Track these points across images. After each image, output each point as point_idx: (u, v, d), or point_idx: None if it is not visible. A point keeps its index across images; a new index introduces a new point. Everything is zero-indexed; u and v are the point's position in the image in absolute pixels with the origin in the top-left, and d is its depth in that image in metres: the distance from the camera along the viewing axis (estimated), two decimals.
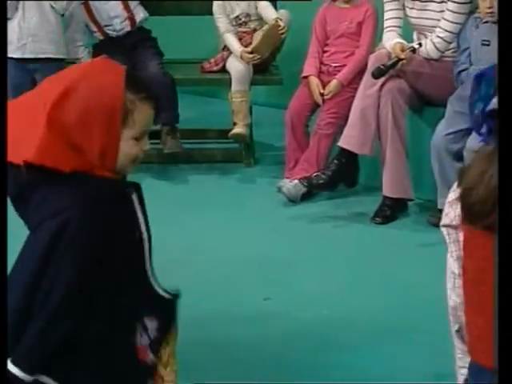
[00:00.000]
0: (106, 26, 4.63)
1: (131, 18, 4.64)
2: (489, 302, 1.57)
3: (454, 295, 1.81)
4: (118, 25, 4.63)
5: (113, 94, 1.76)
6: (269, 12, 4.55)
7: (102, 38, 4.65)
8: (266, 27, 4.47)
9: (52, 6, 4.45)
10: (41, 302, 1.77)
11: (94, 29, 4.65)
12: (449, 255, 1.80)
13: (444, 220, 1.79)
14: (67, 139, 1.76)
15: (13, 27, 4.42)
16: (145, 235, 1.89)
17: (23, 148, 1.77)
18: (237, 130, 4.50)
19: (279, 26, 4.45)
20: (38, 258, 1.77)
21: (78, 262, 1.76)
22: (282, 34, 4.48)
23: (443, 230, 1.80)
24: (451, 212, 1.78)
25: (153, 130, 4.51)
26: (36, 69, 4.45)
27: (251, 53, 4.48)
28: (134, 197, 1.86)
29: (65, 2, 4.45)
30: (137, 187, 1.88)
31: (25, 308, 1.79)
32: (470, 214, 1.61)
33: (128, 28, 4.64)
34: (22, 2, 4.41)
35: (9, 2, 4.35)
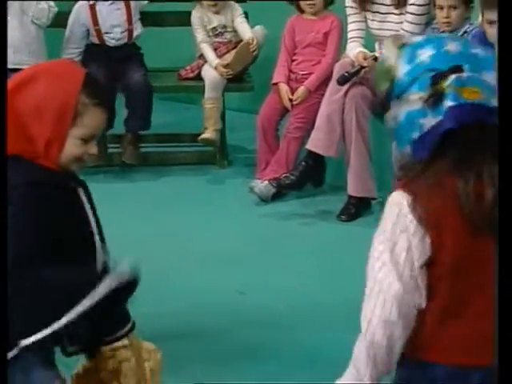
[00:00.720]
0: (106, 33, 4.56)
1: (130, 31, 4.59)
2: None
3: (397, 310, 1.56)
4: (118, 34, 4.56)
5: (68, 92, 1.77)
6: (244, 29, 4.57)
7: (97, 42, 4.55)
8: (239, 46, 4.51)
9: (33, 21, 4.38)
10: None
11: (93, 33, 4.56)
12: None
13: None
14: (18, 123, 1.77)
15: None
16: (94, 230, 1.89)
17: None
18: (206, 135, 4.52)
19: (250, 44, 4.47)
20: None
21: (14, 245, 1.72)
22: (254, 51, 4.48)
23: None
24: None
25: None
26: None
27: (226, 65, 4.46)
28: (81, 192, 1.86)
29: (45, 16, 4.37)
30: (83, 184, 1.89)
31: None
32: (488, 221, 1.50)
33: (125, 40, 4.58)
34: None
35: None
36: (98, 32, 4.53)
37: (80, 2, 4.52)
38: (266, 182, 4.19)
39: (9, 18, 4.29)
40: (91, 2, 4.51)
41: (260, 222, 4.03)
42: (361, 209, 4.07)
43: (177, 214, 3.92)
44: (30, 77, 1.82)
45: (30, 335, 1.75)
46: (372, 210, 4.13)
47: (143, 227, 3.71)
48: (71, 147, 1.79)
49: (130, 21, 4.55)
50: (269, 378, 2.72)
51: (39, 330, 1.75)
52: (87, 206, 1.88)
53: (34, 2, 4.32)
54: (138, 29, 4.61)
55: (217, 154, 4.70)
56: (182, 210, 3.98)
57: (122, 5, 4.54)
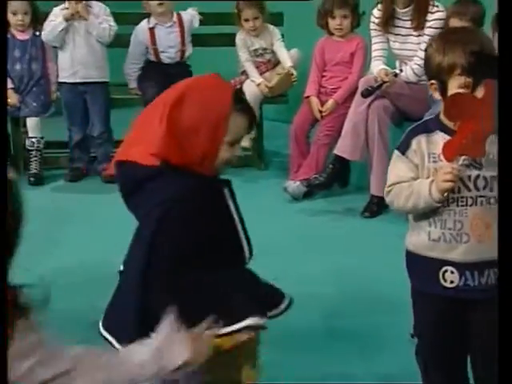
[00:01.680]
0: (162, 52, 4.63)
1: (183, 51, 4.67)
2: None
3: None
4: (173, 54, 4.64)
5: (221, 109, 1.70)
6: (283, 55, 4.59)
7: (154, 60, 4.62)
8: (282, 73, 4.53)
9: (97, 40, 4.49)
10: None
11: (151, 51, 4.64)
12: None
13: None
14: (179, 138, 1.70)
15: (64, 57, 4.50)
16: (237, 221, 1.83)
17: (142, 145, 1.73)
18: (242, 142, 4.52)
19: (292, 75, 4.52)
20: (146, 241, 1.73)
21: (175, 246, 1.71)
22: (294, 81, 4.54)
23: None
24: None
25: None
26: (85, 91, 4.52)
27: (270, 88, 4.52)
28: (226, 191, 1.80)
29: (107, 35, 4.47)
30: (228, 183, 1.82)
31: (141, 282, 1.72)
32: None
33: (178, 59, 4.66)
34: (71, 36, 4.45)
35: (58, 34, 4.40)
36: (156, 51, 4.64)
37: (141, 24, 4.64)
38: (298, 182, 4.21)
39: (77, 38, 4.44)
40: (151, 25, 4.62)
41: (293, 218, 4.01)
42: (382, 207, 4.02)
43: None
44: (185, 93, 1.71)
45: None
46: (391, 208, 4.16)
47: None
48: (221, 153, 1.74)
49: (183, 42, 4.66)
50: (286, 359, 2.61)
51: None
52: (231, 205, 1.82)
53: (97, 22, 4.43)
54: (189, 49, 4.71)
55: (255, 158, 4.73)
56: None
57: (177, 28, 4.63)
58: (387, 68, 4.09)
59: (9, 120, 4.56)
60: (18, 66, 4.50)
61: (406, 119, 4.11)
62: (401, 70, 4.08)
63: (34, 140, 4.54)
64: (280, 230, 3.85)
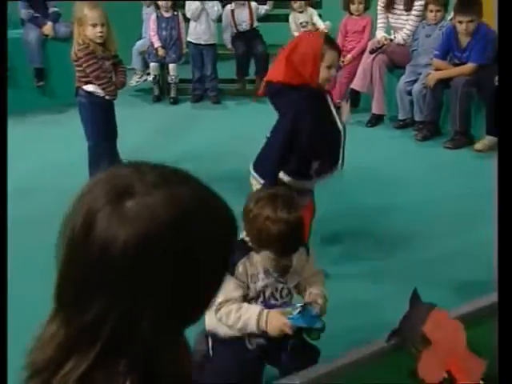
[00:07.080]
0: (239, 24, 4.77)
1: (251, 23, 4.78)
2: None
3: None
4: (243, 26, 4.78)
5: (317, 47, 1.84)
6: (318, 22, 4.60)
7: (235, 31, 4.78)
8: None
9: (212, 19, 4.67)
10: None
11: (232, 24, 4.76)
12: None
13: None
14: (295, 67, 1.86)
15: (193, 27, 4.65)
16: (336, 118, 1.91)
17: (274, 73, 1.90)
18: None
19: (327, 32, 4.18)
20: (283, 130, 1.90)
21: (287, 130, 1.87)
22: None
23: None
24: None
25: None
26: (202, 49, 4.79)
27: None
28: (328, 97, 1.95)
29: (216, 14, 4.63)
30: (328, 92, 1.92)
31: (283, 145, 1.89)
32: None
33: (248, 27, 4.78)
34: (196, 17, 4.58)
35: (197, 13, 4.51)
36: (235, 24, 4.73)
37: (226, 7, 4.67)
38: None
39: (202, 17, 4.66)
40: (232, 8, 4.67)
41: None
42: (379, 120, 4.13)
43: None
44: (296, 42, 1.87)
45: None
46: (384, 121, 4.13)
47: None
48: (322, 73, 1.85)
49: (251, 18, 4.70)
50: None
51: None
52: (332, 107, 1.93)
53: (213, 7, 4.53)
54: (255, 22, 4.72)
55: None
56: None
57: (247, 10, 4.69)
58: (386, 35, 4.17)
59: (158, 66, 4.85)
60: (164, 33, 4.66)
61: (396, 67, 4.21)
62: (394, 37, 4.17)
63: (173, 77, 4.73)
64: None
